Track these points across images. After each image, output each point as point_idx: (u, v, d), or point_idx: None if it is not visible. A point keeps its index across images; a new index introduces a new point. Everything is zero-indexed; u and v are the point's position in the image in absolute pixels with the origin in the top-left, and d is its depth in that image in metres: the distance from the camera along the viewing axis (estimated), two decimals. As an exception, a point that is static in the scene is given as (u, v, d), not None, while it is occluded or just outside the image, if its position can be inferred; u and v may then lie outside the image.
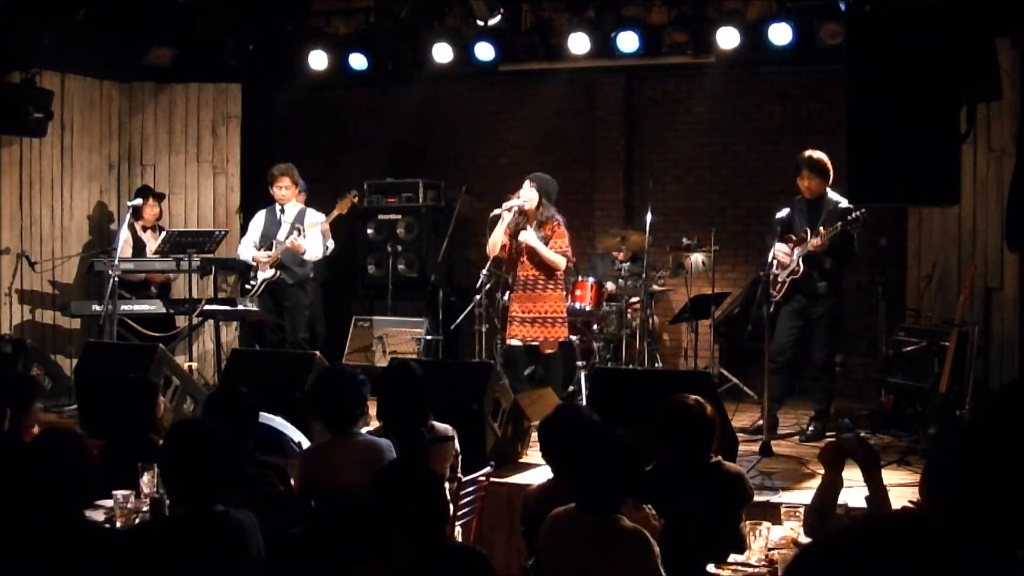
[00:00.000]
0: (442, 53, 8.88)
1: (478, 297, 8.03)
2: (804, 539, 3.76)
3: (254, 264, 8.45)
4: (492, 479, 4.98)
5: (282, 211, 8.53)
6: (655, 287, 8.71)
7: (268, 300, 8.44)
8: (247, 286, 8.53)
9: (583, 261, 9.34)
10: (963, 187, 6.60)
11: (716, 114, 9.65)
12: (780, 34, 8.04)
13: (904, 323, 7.92)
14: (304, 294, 8.54)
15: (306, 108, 10.46)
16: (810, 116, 9.25)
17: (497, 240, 7.57)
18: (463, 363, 8.24)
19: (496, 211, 7.57)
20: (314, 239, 8.35)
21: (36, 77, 8.73)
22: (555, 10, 8.94)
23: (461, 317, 8.89)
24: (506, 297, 8.07)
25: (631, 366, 8.15)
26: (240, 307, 8.39)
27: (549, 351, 7.67)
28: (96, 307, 8.49)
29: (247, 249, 8.55)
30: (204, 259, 8.62)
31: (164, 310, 8.87)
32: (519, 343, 7.67)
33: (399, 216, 9.99)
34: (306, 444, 5.33)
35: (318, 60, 9.24)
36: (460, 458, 4.95)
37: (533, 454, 6.25)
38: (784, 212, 7.20)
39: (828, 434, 6.84)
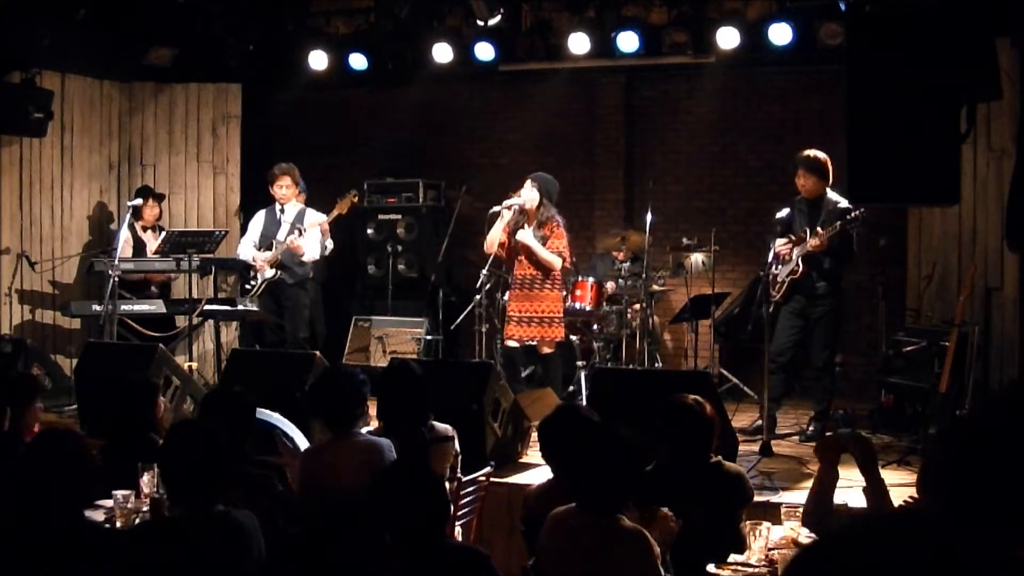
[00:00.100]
0: (442, 53, 8.88)
1: (478, 297, 8.03)
2: (804, 539, 3.76)
3: (254, 264, 8.46)
4: (492, 479, 4.98)
5: (282, 211, 8.53)
6: (655, 287, 8.71)
7: (268, 300, 8.45)
8: (247, 286, 8.53)
9: (583, 261, 9.35)
10: (963, 187, 6.60)
11: (716, 114, 9.65)
12: (780, 34, 8.04)
13: (904, 323, 7.92)
14: (304, 294, 8.54)
15: (306, 108, 10.46)
16: (810, 116, 9.25)
17: (495, 238, 7.57)
18: (463, 363, 8.24)
19: (496, 208, 7.58)
20: (313, 239, 8.35)
21: (36, 77, 8.74)
22: (555, 10, 8.94)
23: (461, 317, 8.88)
24: (505, 296, 8.07)
25: (631, 366, 8.15)
26: (240, 307, 8.39)
27: (547, 351, 7.67)
28: (96, 307, 8.49)
29: (247, 249, 8.55)
30: (204, 259, 8.62)
31: (164, 310, 8.87)
32: (516, 344, 7.67)
33: (399, 216, 9.99)
34: (298, 438, 5.33)
35: (318, 60, 9.24)
36: (460, 458, 4.95)
37: (533, 454, 6.25)
38: (784, 212, 7.21)
39: (828, 434, 6.84)
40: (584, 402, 6.82)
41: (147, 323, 8.84)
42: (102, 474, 4.24)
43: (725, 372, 8.58)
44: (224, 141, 9.92)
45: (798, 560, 1.48)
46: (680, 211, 9.73)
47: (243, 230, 8.99)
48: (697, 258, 8.68)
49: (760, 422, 6.95)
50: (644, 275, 8.32)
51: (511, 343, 7.68)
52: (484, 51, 8.87)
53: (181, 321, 8.87)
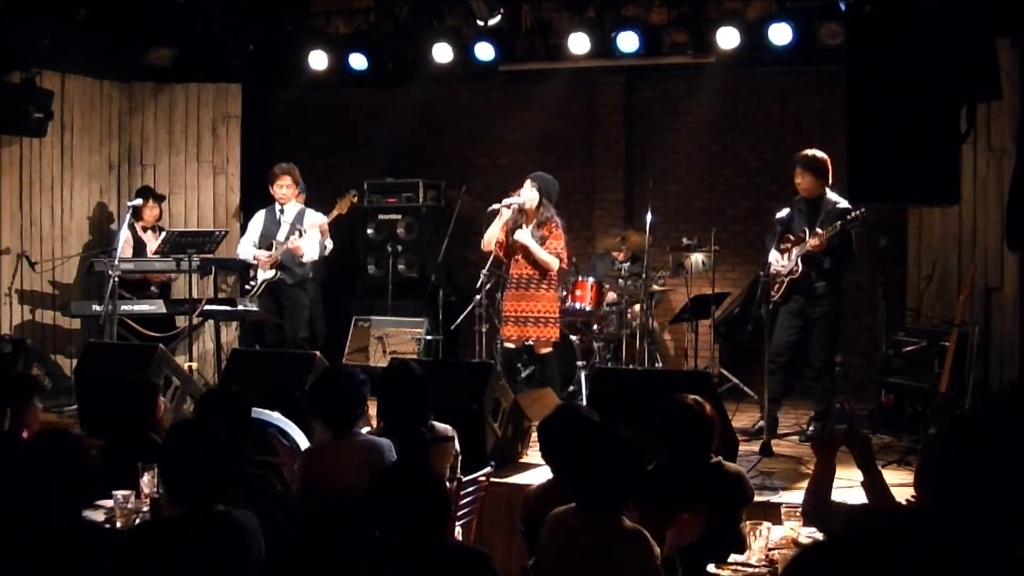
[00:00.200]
0: (442, 53, 8.88)
1: (478, 297, 8.02)
2: (804, 539, 3.76)
3: (254, 263, 8.45)
4: (492, 479, 4.98)
5: (281, 211, 8.53)
6: (655, 287, 8.71)
7: (268, 300, 8.45)
8: (247, 286, 8.53)
9: (583, 261, 9.35)
10: (963, 187, 6.60)
11: (716, 114, 9.65)
12: (780, 34, 8.04)
13: (904, 323, 7.92)
14: (304, 294, 8.54)
15: (306, 108, 10.46)
16: (810, 116, 9.25)
17: (492, 236, 7.57)
18: (463, 363, 8.24)
19: (495, 205, 7.57)
20: (312, 240, 8.35)
21: (36, 77, 8.73)
22: (555, 10, 8.94)
23: (461, 317, 8.88)
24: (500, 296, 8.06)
25: (631, 366, 8.15)
26: (240, 307, 8.39)
27: (544, 351, 7.65)
28: (96, 307, 8.49)
29: (247, 249, 8.54)
30: (204, 259, 8.62)
31: (164, 310, 8.87)
32: (513, 345, 7.66)
33: (399, 216, 9.99)
34: (299, 438, 5.32)
35: (318, 60, 9.24)
36: (460, 458, 4.95)
37: (533, 454, 6.25)
38: (784, 212, 7.21)
39: (824, 430, 6.85)
40: (584, 402, 6.82)
41: (147, 323, 8.84)
42: (102, 474, 4.26)
43: (725, 372, 8.58)
44: (224, 141, 9.92)
45: (798, 560, 1.48)
46: (680, 211, 9.73)
47: (243, 230, 8.99)
48: (697, 258, 8.68)
49: (762, 423, 6.95)
50: (644, 275, 8.32)
51: (509, 344, 7.68)
52: (484, 51, 8.87)
53: (181, 321, 8.87)
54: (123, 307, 8.56)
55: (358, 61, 9.27)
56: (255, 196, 9.30)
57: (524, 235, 7.49)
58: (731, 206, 9.68)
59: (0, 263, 9.03)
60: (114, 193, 9.85)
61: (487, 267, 7.85)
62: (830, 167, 7.03)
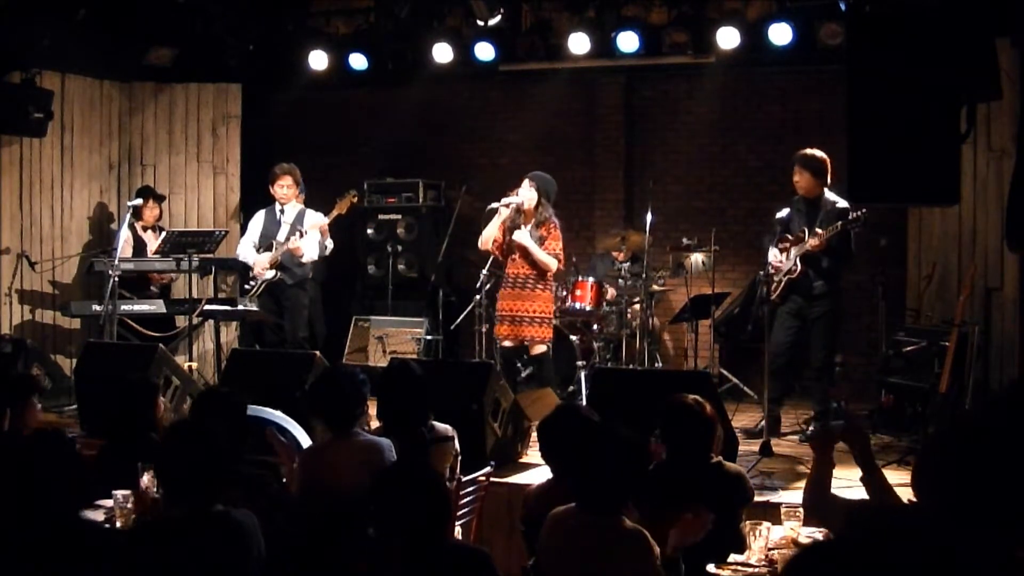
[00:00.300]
0: (442, 53, 8.88)
1: (478, 297, 8.03)
2: (804, 539, 3.76)
3: (253, 268, 8.45)
4: (492, 479, 4.98)
5: (282, 211, 8.52)
6: (655, 287, 8.71)
7: (268, 300, 8.44)
8: (247, 286, 8.53)
9: (583, 261, 9.35)
10: (963, 187, 6.60)
11: (716, 114, 9.65)
12: (780, 34, 8.04)
13: (904, 323, 7.92)
14: (304, 294, 8.54)
15: (306, 108, 10.47)
16: (810, 116, 9.25)
17: (490, 235, 7.56)
18: (463, 363, 8.24)
19: (494, 204, 7.56)
20: (312, 241, 8.35)
21: (36, 77, 8.74)
22: (555, 10, 8.94)
23: (461, 317, 8.89)
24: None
25: (631, 366, 8.15)
26: (240, 307, 8.39)
27: (539, 351, 7.63)
28: (96, 307, 8.49)
29: (246, 250, 8.54)
30: (204, 259, 8.62)
31: (164, 310, 8.87)
32: (510, 344, 7.65)
33: (399, 216, 9.99)
34: (301, 437, 5.33)
35: (318, 60, 9.24)
36: (460, 458, 4.94)
37: (533, 454, 6.25)
38: (784, 212, 7.22)
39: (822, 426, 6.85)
40: (584, 402, 6.82)
41: (147, 323, 8.84)
42: (100, 474, 4.26)
43: (725, 372, 8.59)
44: (224, 141, 9.92)
45: (798, 560, 1.48)
46: (680, 211, 9.73)
47: (243, 230, 8.99)
48: (697, 258, 8.68)
49: (764, 423, 6.94)
50: (644, 275, 8.32)
51: (507, 343, 7.66)
52: (484, 51, 8.87)
53: (181, 321, 8.87)
54: (123, 307, 8.56)
55: (358, 61, 9.27)
56: (255, 196, 9.30)
57: (523, 236, 7.48)
58: (731, 206, 9.68)
59: (0, 263, 9.03)
60: (114, 193, 9.85)
61: (487, 267, 7.85)
62: (829, 167, 7.03)
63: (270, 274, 8.36)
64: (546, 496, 4.01)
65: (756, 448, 6.50)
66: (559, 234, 7.58)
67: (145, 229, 9.14)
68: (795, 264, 7.05)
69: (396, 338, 9.39)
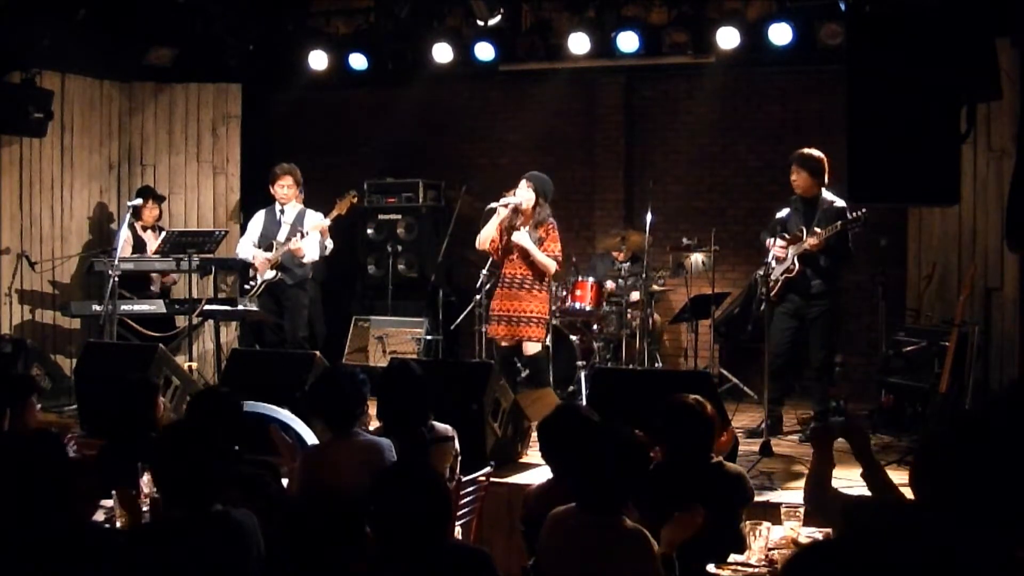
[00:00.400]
0: (442, 53, 8.88)
1: (478, 297, 8.02)
2: (804, 539, 3.76)
3: (252, 262, 8.44)
4: (492, 479, 4.98)
5: (282, 211, 8.53)
6: (655, 287, 8.71)
7: (268, 299, 8.44)
8: (247, 286, 8.53)
9: (583, 261, 9.35)
10: (963, 187, 6.60)
11: (716, 114, 9.65)
12: (780, 34, 8.04)
13: (904, 323, 7.92)
14: (304, 294, 8.54)
15: (306, 108, 10.47)
16: (810, 116, 9.25)
17: (488, 235, 7.54)
18: (463, 363, 8.24)
19: (493, 204, 7.55)
20: (313, 241, 8.35)
21: (36, 77, 8.73)
22: (555, 10, 8.94)
23: (461, 317, 8.89)
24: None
25: (631, 366, 8.15)
26: (240, 307, 8.39)
27: (532, 352, 7.62)
28: (96, 307, 8.49)
29: (246, 249, 8.54)
30: (204, 259, 8.62)
31: (164, 310, 8.87)
32: (508, 344, 7.64)
33: (399, 216, 10.00)
34: (306, 434, 5.33)
35: (318, 60, 9.24)
36: (460, 458, 4.95)
37: (533, 454, 6.25)
38: (784, 212, 7.23)
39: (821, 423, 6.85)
40: (584, 402, 6.82)
41: (147, 323, 8.84)
42: (102, 474, 4.25)
43: (725, 372, 8.59)
44: (224, 141, 9.92)
45: (797, 560, 1.48)
46: (680, 211, 9.73)
47: (243, 230, 9.00)
48: (697, 258, 8.68)
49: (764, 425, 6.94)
50: (644, 275, 8.32)
51: (505, 343, 7.64)
52: (484, 51, 8.87)
53: (181, 321, 8.87)
54: (123, 307, 8.56)
55: (358, 61, 9.27)
56: (255, 196, 9.30)
57: (523, 237, 7.46)
58: (731, 206, 9.68)
59: (0, 263, 9.03)
60: (114, 193, 9.85)
61: (487, 267, 7.85)
62: (826, 166, 7.04)
63: (270, 274, 8.36)
64: (546, 496, 4.01)
65: (756, 448, 6.50)
66: (557, 235, 7.57)
67: (145, 229, 9.14)
68: (793, 263, 7.05)
69: (396, 338, 9.39)
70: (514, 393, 6.71)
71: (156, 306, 8.88)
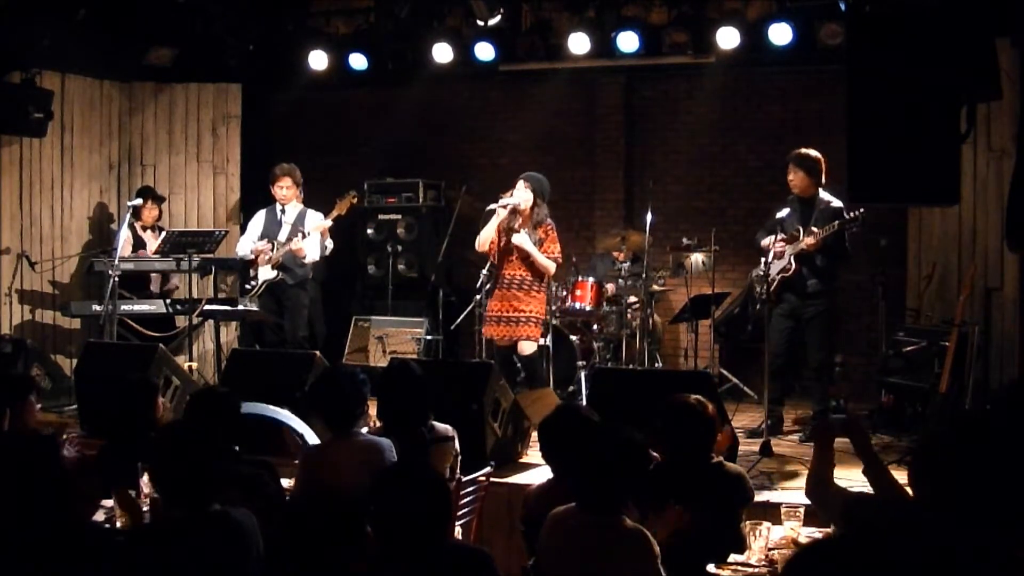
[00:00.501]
0: (442, 53, 8.88)
1: (478, 297, 8.02)
2: (804, 539, 3.76)
3: (253, 258, 8.42)
4: (492, 479, 4.98)
5: (283, 211, 8.53)
6: (655, 287, 8.71)
7: (268, 299, 8.45)
8: (247, 286, 8.53)
9: (583, 261, 9.35)
10: (963, 187, 6.60)
11: (716, 114, 9.65)
12: (780, 34, 8.05)
13: (904, 323, 7.92)
14: (304, 294, 8.54)
15: (306, 108, 10.47)
16: (810, 116, 9.25)
17: (488, 236, 7.52)
18: (463, 363, 8.23)
19: (492, 206, 7.54)
20: (314, 242, 8.36)
21: (36, 77, 8.73)
22: (555, 10, 8.94)
23: (461, 317, 8.89)
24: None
25: (631, 366, 8.15)
26: (240, 307, 8.39)
27: (528, 352, 7.61)
28: (96, 307, 8.49)
29: (246, 247, 8.53)
30: (204, 259, 8.62)
31: (164, 310, 8.87)
32: (505, 344, 7.63)
33: (399, 216, 10.00)
34: (308, 435, 5.33)
35: (318, 60, 9.24)
36: (459, 458, 4.95)
37: (533, 454, 6.25)
38: (784, 212, 7.22)
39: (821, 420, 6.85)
40: (584, 402, 6.82)
41: (147, 323, 8.84)
42: (102, 474, 4.25)
43: (725, 372, 8.59)
44: (224, 141, 9.92)
45: (798, 560, 1.48)
46: (680, 211, 9.73)
47: (243, 230, 9.00)
48: (697, 258, 8.68)
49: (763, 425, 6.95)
50: (644, 275, 8.32)
51: (502, 343, 7.62)
52: (484, 51, 8.87)
53: (181, 321, 8.87)
54: (123, 307, 8.56)
55: (358, 61, 9.27)
56: (255, 196, 9.30)
57: (524, 240, 7.45)
58: (731, 206, 9.68)
59: (0, 263, 9.03)
60: (114, 193, 9.85)
61: (487, 267, 7.84)
62: (823, 166, 7.05)
63: (271, 274, 8.36)
64: (546, 496, 4.01)
65: (756, 448, 6.50)
66: (556, 236, 7.56)
67: (145, 229, 9.14)
68: (789, 262, 7.06)
69: (396, 338, 9.39)
70: (514, 393, 6.71)
71: (156, 306, 8.88)
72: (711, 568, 3.64)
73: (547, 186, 7.64)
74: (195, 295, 8.37)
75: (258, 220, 8.61)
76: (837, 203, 6.94)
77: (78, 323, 9.11)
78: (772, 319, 7.10)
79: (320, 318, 9.52)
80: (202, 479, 3.35)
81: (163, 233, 8.83)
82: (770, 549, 3.74)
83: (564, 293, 8.34)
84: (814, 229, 6.92)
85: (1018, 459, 2.47)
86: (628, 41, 8.40)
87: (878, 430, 7.11)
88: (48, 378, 8.60)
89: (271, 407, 5.84)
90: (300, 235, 8.28)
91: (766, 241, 7.25)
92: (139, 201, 8.91)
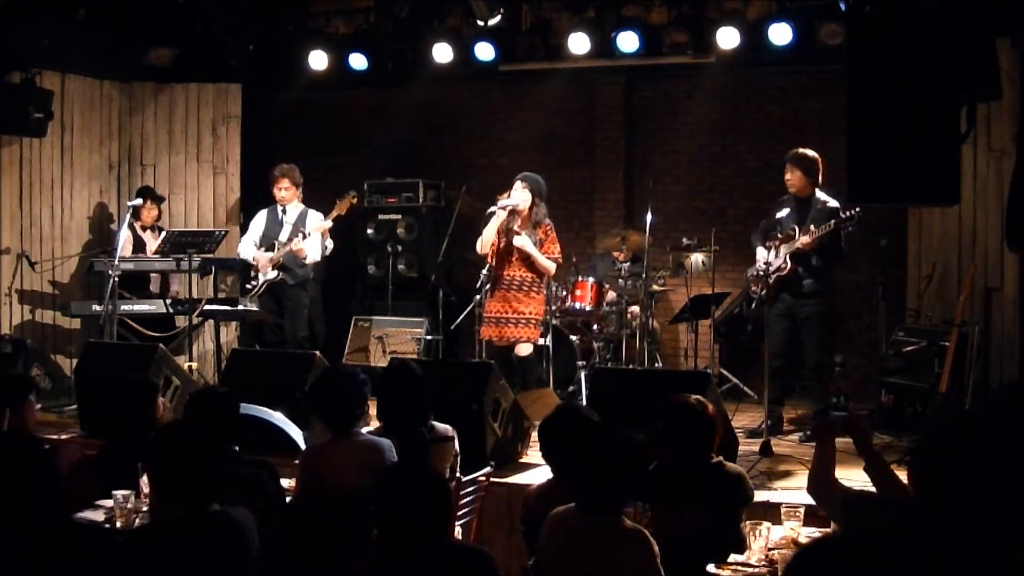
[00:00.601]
0: (442, 53, 8.88)
1: (478, 297, 8.01)
2: (804, 539, 3.76)
3: (254, 263, 8.45)
4: (492, 479, 4.98)
5: (284, 212, 8.53)
6: (655, 287, 8.71)
7: (269, 299, 8.45)
8: (248, 285, 8.53)
9: (583, 261, 9.35)
10: (963, 187, 6.60)
11: (716, 114, 9.65)
12: (780, 34, 8.04)
13: (904, 323, 7.92)
14: (304, 294, 8.55)
15: (306, 108, 10.47)
16: (810, 116, 9.25)
17: (489, 239, 7.51)
18: (463, 363, 8.23)
19: (492, 208, 7.54)
20: (315, 242, 8.36)
21: (36, 77, 8.73)
22: (555, 10, 8.94)
23: (461, 317, 8.89)
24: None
25: (631, 366, 8.15)
26: (240, 307, 8.39)
27: (524, 353, 7.60)
28: (96, 307, 8.49)
29: (247, 248, 8.54)
30: (204, 259, 8.62)
31: (164, 310, 8.87)
32: (501, 345, 7.63)
33: (399, 216, 9.99)
34: (289, 430, 5.33)
35: (318, 60, 9.24)
36: (459, 458, 4.95)
37: (533, 454, 6.25)
38: (785, 211, 7.22)
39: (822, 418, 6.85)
40: (584, 402, 6.81)
41: (147, 323, 8.84)
42: (102, 474, 4.26)
43: (725, 372, 8.59)
44: (224, 141, 9.92)
45: (798, 560, 1.48)
46: (680, 211, 9.73)
47: (243, 230, 9.00)
48: (697, 258, 8.68)
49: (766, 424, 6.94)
50: (644, 275, 8.32)
51: (499, 344, 7.62)
52: (484, 51, 8.87)
53: (181, 321, 8.87)
54: (123, 307, 8.56)
55: (358, 61, 9.27)
56: (255, 196, 9.30)
57: (525, 242, 7.44)
58: (731, 206, 9.68)
59: (0, 263, 9.03)
60: (114, 193, 9.85)
61: (487, 267, 7.84)
62: (820, 166, 7.06)
63: (272, 274, 8.37)
64: (546, 496, 4.01)
65: (756, 448, 6.50)
66: (555, 235, 7.56)
67: (144, 229, 9.14)
68: (785, 262, 7.06)
69: (396, 338, 9.39)
70: (513, 393, 6.71)
71: (156, 306, 8.88)
72: (711, 568, 3.64)
73: (544, 185, 7.64)
74: (195, 295, 8.37)
75: (260, 220, 8.61)
76: (833, 203, 6.95)
77: (78, 323, 9.11)
78: (770, 320, 7.10)
79: (320, 318, 9.52)
80: (201, 479, 3.34)
81: (163, 233, 8.83)
82: (770, 549, 3.74)
83: (564, 293, 8.34)
84: (812, 228, 6.92)
85: (1018, 459, 2.47)
86: (628, 41, 8.40)
87: (878, 430, 7.10)
88: (48, 378, 8.59)
89: (265, 409, 5.84)
90: (301, 235, 8.28)
91: (761, 253, 7.24)
92: (139, 201, 8.91)
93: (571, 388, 8.18)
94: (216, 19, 9.15)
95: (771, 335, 7.07)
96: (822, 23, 7.90)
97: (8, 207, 9.06)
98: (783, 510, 3.95)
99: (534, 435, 5.25)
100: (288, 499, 4.37)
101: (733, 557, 3.72)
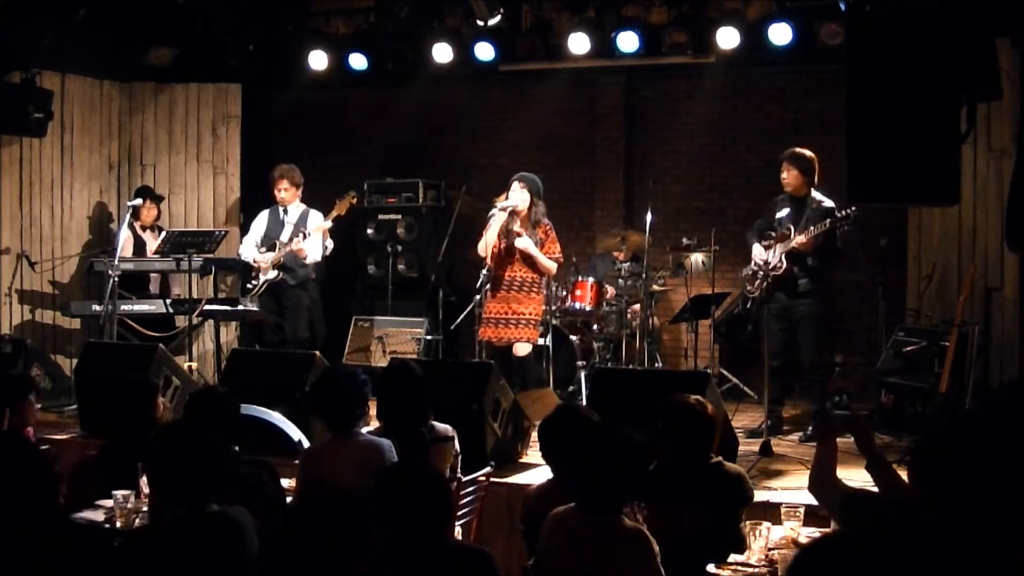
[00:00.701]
0: (442, 53, 8.88)
1: (478, 297, 8.00)
2: (804, 539, 3.76)
3: (255, 265, 8.45)
4: (492, 479, 4.98)
5: (285, 212, 8.53)
6: (655, 287, 8.71)
7: (269, 299, 8.45)
8: (248, 286, 8.53)
9: (583, 261, 9.35)
10: (963, 187, 6.61)
11: (716, 114, 9.64)
12: (780, 34, 8.05)
13: (904, 323, 7.92)
14: (305, 294, 8.55)
15: (306, 108, 10.46)
16: (810, 116, 9.25)
17: (490, 241, 7.50)
18: (463, 363, 8.23)
19: (492, 210, 7.54)
20: (315, 242, 8.36)
21: (36, 77, 8.74)
22: (555, 10, 8.95)
23: (461, 317, 8.88)
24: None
25: (631, 366, 8.15)
26: (240, 307, 8.40)
27: (523, 354, 7.59)
28: (96, 307, 8.49)
29: (248, 249, 8.54)
30: (204, 259, 8.62)
31: (164, 310, 8.87)
32: (500, 345, 7.62)
33: (399, 216, 9.99)
34: (289, 430, 5.33)
35: (318, 60, 9.24)
36: (459, 458, 4.95)
37: (533, 454, 6.25)
38: (785, 211, 7.22)
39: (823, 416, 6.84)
40: (584, 402, 6.81)
41: (147, 323, 8.84)
42: (102, 474, 4.26)
43: (725, 372, 8.59)
44: (224, 141, 9.92)
45: (798, 560, 1.48)
46: (680, 211, 9.73)
47: (243, 230, 8.99)
48: (697, 258, 8.68)
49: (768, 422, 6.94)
50: (644, 275, 8.32)
51: (498, 344, 7.61)
52: (484, 51, 8.87)
53: (181, 321, 8.87)
54: (123, 307, 8.56)
55: (358, 61, 9.27)
56: (255, 196, 9.31)
57: (527, 243, 7.43)
58: (731, 206, 9.67)
59: (0, 263, 9.03)
60: (114, 193, 9.85)
61: (487, 267, 7.83)
62: (817, 166, 7.06)
63: (273, 274, 8.37)
64: (546, 496, 4.01)
65: (756, 448, 6.50)
66: (555, 235, 7.56)
67: (144, 229, 9.14)
68: (780, 261, 7.06)
69: (396, 338, 9.39)
70: (513, 393, 6.71)
71: (156, 306, 8.88)
72: (711, 568, 3.65)
73: (540, 185, 7.64)
74: (195, 295, 8.37)
75: (261, 220, 8.61)
76: (829, 203, 6.95)
77: (78, 323, 9.11)
78: (768, 320, 7.11)
79: (320, 318, 9.51)
80: (201, 479, 3.34)
81: (163, 233, 8.83)
82: (770, 549, 3.74)
83: (564, 293, 8.34)
84: (811, 228, 6.92)
85: (1018, 459, 2.47)
86: (628, 41, 8.40)
87: (878, 430, 7.10)
88: (48, 378, 8.60)
89: (265, 409, 5.84)
90: (302, 235, 8.29)
91: (758, 250, 7.24)
92: (139, 201, 8.91)
93: (571, 388, 8.18)
94: (216, 19, 9.15)
95: (769, 335, 7.07)
96: (822, 23, 7.91)
97: (8, 207, 9.06)
98: (783, 510, 3.95)
99: (534, 435, 5.25)
100: (288, 499, 4.37)
101: (733, 557, 3.72)
